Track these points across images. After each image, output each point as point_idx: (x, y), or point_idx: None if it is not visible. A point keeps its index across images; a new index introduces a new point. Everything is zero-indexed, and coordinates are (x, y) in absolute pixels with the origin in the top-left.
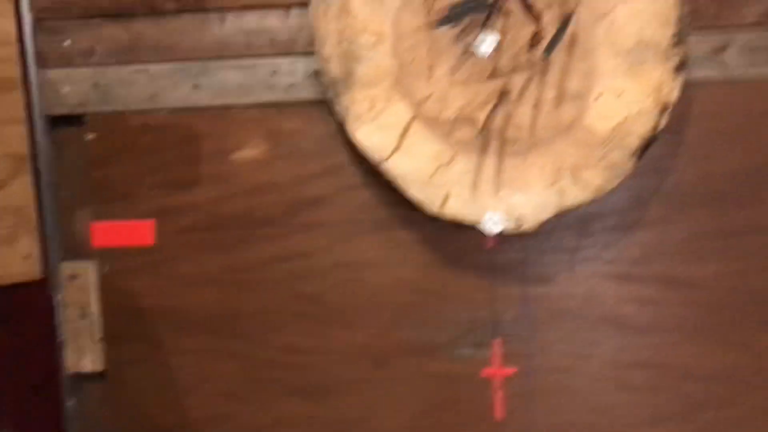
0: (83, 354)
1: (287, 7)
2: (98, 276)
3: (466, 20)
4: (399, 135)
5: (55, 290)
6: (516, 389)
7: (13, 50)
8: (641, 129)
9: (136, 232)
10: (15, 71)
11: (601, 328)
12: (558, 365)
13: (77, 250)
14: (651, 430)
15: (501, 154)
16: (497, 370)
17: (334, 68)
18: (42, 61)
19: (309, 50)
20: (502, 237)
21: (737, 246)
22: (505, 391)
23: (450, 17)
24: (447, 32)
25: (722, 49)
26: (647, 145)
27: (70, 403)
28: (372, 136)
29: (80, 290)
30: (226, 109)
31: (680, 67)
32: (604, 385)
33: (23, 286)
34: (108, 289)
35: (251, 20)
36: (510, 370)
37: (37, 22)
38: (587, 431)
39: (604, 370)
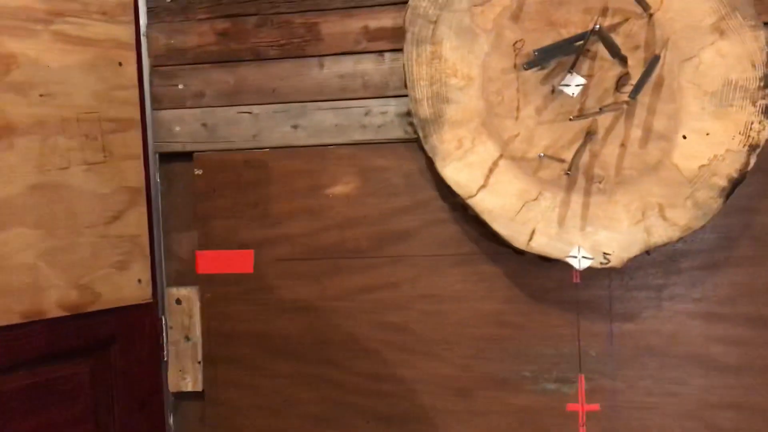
0: (185, 374)
1: (381, 52)
2: (201, 301)
3: (553, 63)
4: (486, 172)
5: (162, 313)
6: (600, 425)
7: (134, 93)
8: (728, 169)
9: (237, 260)
10: (135, 112)
11: (688, 367)
12: (643, 403)
13: (182, 276)
14: None
15: (587, 192)
16: (581, 405)
17: (425, 109)
18: (157, 103)
19: (399, 92)
20: (588, 273)
21: None
22: (588, 426)
23: (537, 60)
24: (534, 74)
25: None
26: (735, 184)
27: (170, 419)
28: (460, 173)
29: (184, 314)
30: (322, 147)
31: None
32: (691, 424)
33: (134, 309)
34: (209, 313)
35: (347, 65)
36: (594, 406)
37: (154, 68)
38: None
39: (691, 410)
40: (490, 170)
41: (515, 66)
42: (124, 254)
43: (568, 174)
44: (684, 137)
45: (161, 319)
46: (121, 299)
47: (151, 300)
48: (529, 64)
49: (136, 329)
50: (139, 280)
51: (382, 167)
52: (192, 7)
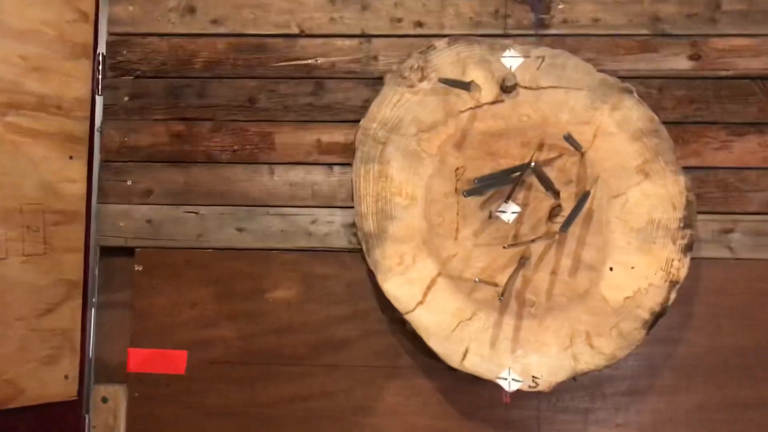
0: None
1: (331, 165)
2: (128, 400)
3: (491, 191)
4: (424, 289)
5: (86, 411)
6: None
7: (82, 187)
8: (651, 302)
9: (169, 360)
10: (81, 206)
11: None
12: None
13: (111, 373)
14: None
15: (519, 315)
16: None
17: (369, 224)
18: (104, 197)
19: (346, 204)
20: (518, 393)
21: (744, 419)
22: None
23: (477, 190)
24: (473, 199)
25: (728, 231)
26: (657, 317)
27: None
28: (399, 288)
29: (110, 413)
30: (266, 251)
31: (688, 247)
32: None
33: (57, 405)
34: (135, 414)
35: (297, 174)
36: None
37: (105, 162)
38: None
39: None
40: (429, 287)
41: (456, 190)
42: (53, 349)
43: (501, 299)
44: (611, 269)
45: (85, 417)
46: (45, 396)
47: (77, 397)
48: (469, 193)
49: (58, 427)
50: (66, 376)
51: (325, 275)
52: (149, 107)
